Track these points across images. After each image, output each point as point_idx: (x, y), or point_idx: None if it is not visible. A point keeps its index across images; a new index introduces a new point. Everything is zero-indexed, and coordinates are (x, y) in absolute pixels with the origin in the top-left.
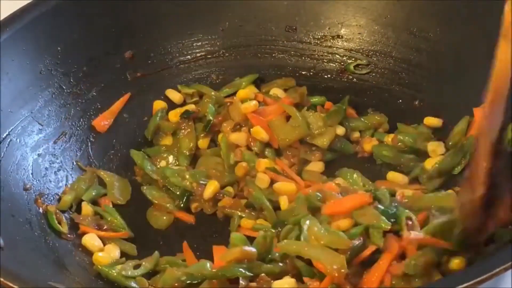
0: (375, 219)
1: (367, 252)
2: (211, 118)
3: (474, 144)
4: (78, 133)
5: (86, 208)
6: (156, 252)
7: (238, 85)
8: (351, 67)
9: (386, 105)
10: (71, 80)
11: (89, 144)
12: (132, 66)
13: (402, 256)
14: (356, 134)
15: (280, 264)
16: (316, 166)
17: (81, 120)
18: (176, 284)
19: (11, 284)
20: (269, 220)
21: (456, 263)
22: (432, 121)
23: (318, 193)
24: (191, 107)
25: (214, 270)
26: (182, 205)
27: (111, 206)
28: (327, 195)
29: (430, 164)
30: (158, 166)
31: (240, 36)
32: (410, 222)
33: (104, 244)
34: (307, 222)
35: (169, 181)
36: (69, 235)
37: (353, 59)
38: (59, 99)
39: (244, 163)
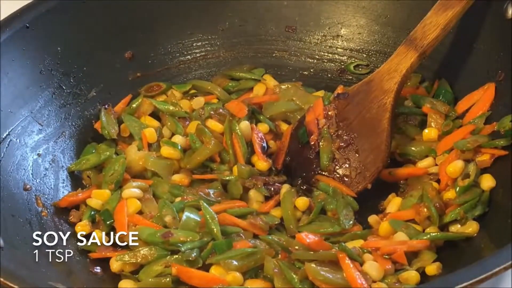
0: None
1: None
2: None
3: None
4: (78, 133)
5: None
6: None
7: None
8: (351, 67)
9: None
10: (71, 80)
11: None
12: (132, 66)
13: None
14: None
15: None
16: None
17: (81, 120)
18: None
19: (11, 284)
20: None
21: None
22: None
23: None
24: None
25: None
26: None
27: None
28: None
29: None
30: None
31: (240, 36)
32: None
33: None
34: None
35: None
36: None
37: (353, 59)
38: (59, 99)
39: None
